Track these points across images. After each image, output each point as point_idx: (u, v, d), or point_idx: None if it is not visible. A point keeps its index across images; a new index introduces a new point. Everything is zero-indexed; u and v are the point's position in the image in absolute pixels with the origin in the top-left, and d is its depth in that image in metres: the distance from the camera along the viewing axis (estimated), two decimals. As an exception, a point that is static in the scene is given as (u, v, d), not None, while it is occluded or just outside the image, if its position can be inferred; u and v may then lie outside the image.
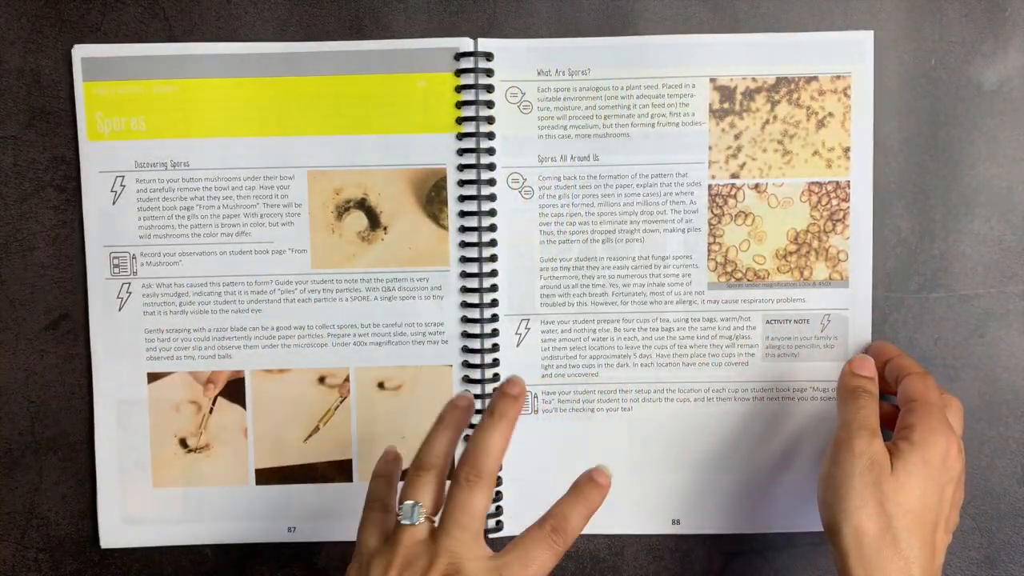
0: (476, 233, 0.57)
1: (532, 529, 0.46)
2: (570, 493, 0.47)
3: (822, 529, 0.50)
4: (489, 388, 0.58)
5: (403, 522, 0.45)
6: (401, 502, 0.46)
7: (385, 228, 0.57)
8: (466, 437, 0.55)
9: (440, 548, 0.44)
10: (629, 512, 0.59)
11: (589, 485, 0.47)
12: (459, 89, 0.56)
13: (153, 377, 0.58)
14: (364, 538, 0.47)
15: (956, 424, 0.52)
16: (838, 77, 0.56)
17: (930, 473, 0.48)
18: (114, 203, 0.57)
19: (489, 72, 0.56)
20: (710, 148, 0.57)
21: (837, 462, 0.49)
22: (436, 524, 0.46)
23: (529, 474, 0.58)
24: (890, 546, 0.47)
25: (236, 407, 0.58)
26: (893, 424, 0.52)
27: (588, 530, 0.57)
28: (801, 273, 0.57)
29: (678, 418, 0.58)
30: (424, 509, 0.46)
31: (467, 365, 0.58)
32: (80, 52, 0.56)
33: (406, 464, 0.50)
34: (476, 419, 0.55)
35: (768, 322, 0.58)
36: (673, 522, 0.59)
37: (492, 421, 0.47)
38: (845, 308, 0.57)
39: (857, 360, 0.53)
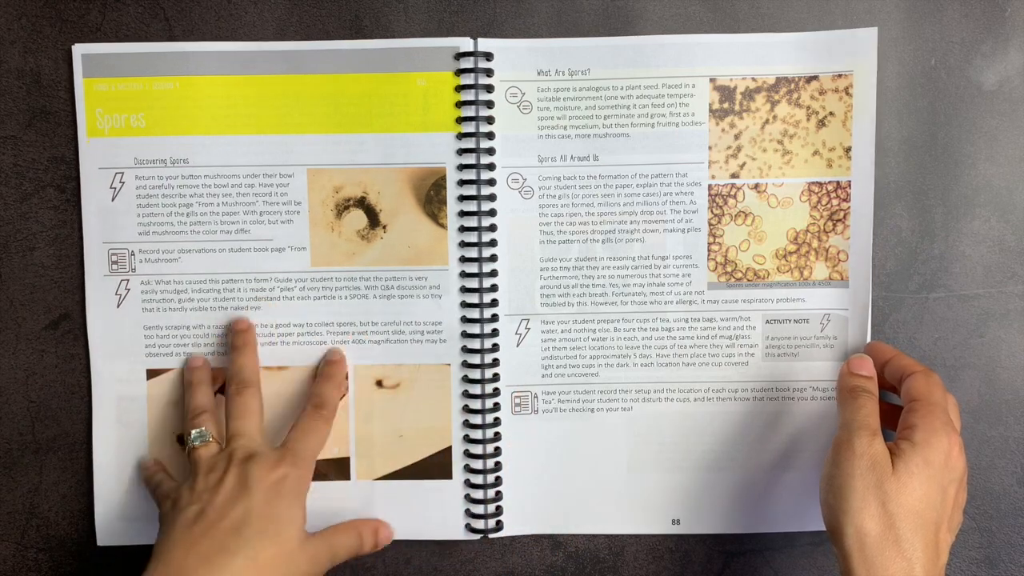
0: (476, 233, 0.57)
1: (300, 414, 0.56)
2: (319, 376, 0.57)
3: (823, 529, 0.50)
4: (489, 388, 0.58)
5: (195, 443, 0.54)
6: (186, 438, 0.54)
7: (384, 227, 0.57)
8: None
9: (234, 446, 0.53)
10: (629, 512, 0.59)
11: (330, 365, 0.57)
12: (459, 89, 0.56)
13: (152, 374, 0.58)
14: (163, 485, 0.55)
15: (955, 423, 0.52)
16: (839, 76, 0.56)
17: (932, 473, 0.48)
18: (113, 200, 0.57)
19: (489, 72, 0.56)
20: (710, 148, 0.57)
21: (838, 463, 0.49)
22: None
23: (529, 474, 0.58)
24: (892, 547, 0.47)
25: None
26: (895, 424, 0.52)
27: (588, 530, 0.57)
28: (801, 273, 0.57)
29: (678, 418, 0.58)
30: (210, 431, 0.54)
31: (466, 365, 0.58)
32: (80, 49, 0.56)
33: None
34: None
35: (768, 322, 0.58)
36: (673, 522, 0.59)
37: (326, 380, 0.57)
38: (845, 308, 0.57)
39: (855, 360, 0.53)
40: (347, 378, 0.58)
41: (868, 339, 0.57)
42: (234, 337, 0.57)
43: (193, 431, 0.54)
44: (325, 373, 0.57)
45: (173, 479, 0.56)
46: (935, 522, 0.48)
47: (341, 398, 0.58)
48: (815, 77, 0.56)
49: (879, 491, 0.47)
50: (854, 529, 0.47)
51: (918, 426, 0.49)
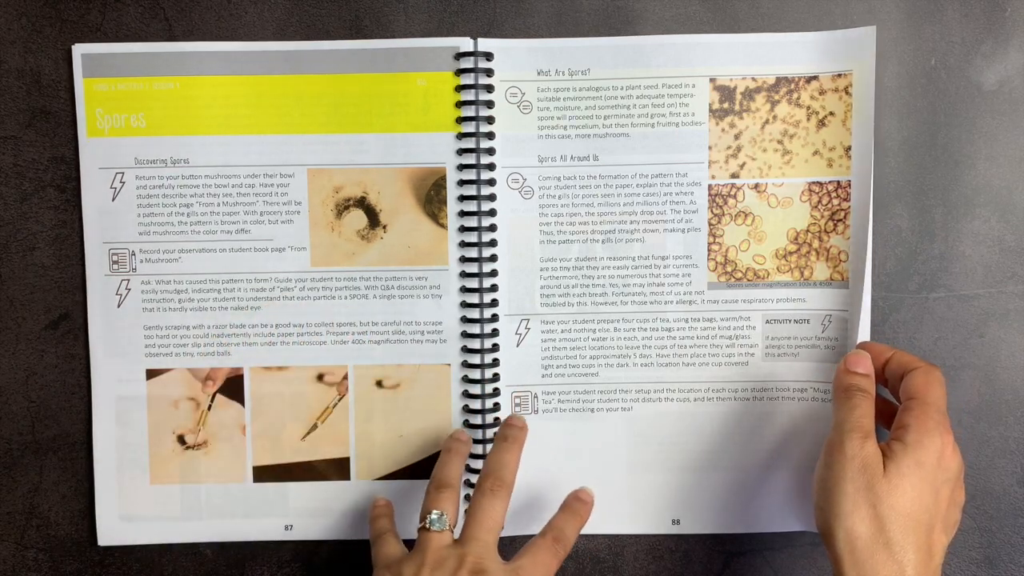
0: (476, 233, 0.57)
1: (537, 540, 0.53)
2: (563, 510, 0.55)
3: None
4: (489, 388, 0.58)
5: (432, 528, 0.51)
6: (424, 515, 0.52)
7: (384, 227, 0.57)
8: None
9: (466, 550, 0.50)
10: (629, 512, 0.59)
11: (577, 503, 0.55)
12: (459, 89, 0.56)
13: (152, 373, 0.58)
14: (385, 550, 0.53)
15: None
16: (839, 75, 0.56)
17: (924, 475, 0.48)
18: (113, 200, 0.57)
19: (489, 72, 0.56)
20: (710, 148, 0.57)
21: (829, 465, 0.49)
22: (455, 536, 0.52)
23: (529, 474, 0.58)
24: (883, 549, 0.46)
25: (235, 404, 0.58)
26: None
27: (588, 530, 0.57)
28: (801, 273, 0.57)
29: (678, 418, 0.58)
30: (448, 518, 0.52)
31: (466, 365, 0.58)
32: (80, 49, 0.56)
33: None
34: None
35: (768, 322, 0.58)
36: (673, 522, 0.59)
37: (506, 444, 0.54)
38: (845, 308, 0.57)
39: (852, 357, 0.53)
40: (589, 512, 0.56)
41: (868, 339, 0.57)
42: (505, 429, 0.55)
43: (433, 512, 0.52)
44: (571, 508, 0.55)
45: (397, 537, 0.54)
46: (927, 523, 0.48)
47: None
48: (815, 77, 0.56)
49: (869, 493, 0.47)
50: (844, 532, 0.47)
51: (911, 426, 0.49)
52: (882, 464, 0.48)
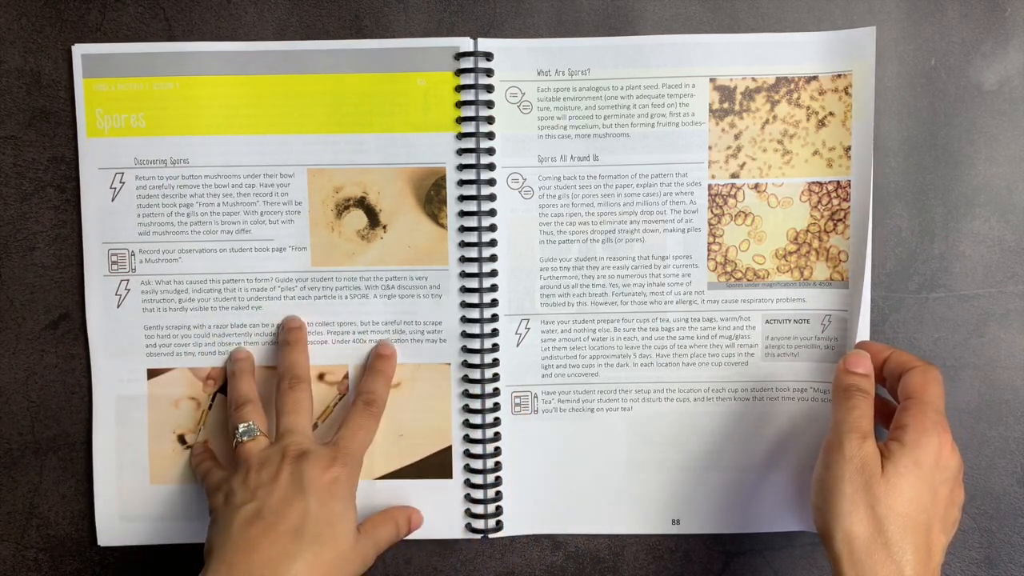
0: (476, 233, 0.57)
1: (350, 408, 0.56)
2: (368, 371, 0.57)
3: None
4: (489, 388, 0.58)
5: (244, 439, 0.54)
6: (233, 434, 0.54)
7: (384, 227, 0.57)
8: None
9: (286, 443, 0.53)
10: (629, 512, 0.59)
11: (380, 360, 0.57)
12: (459, 89, 0.56)
13: (152, 373, 0.58)
14: (211, 476, 0.55)
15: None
16: (839, 76, 0.56)
17: (922, 474, 0.48)
18: (113, 200, 0.57)
19: (489, 72, 0.56)
20: (710, 148, 0.57)
21: (827, 465, 0.49)
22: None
23: (529, 474, 0.58)
24: (881, 550, 0.46)
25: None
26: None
27: (588, 530, 0.57)
28: (801, 273, 0.57)
29: (678, 418, 0.58)
30: (257, 426, 0.54)
31: (467, 365, 0.58)
32: (80, 49, 0.56)
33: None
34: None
35: (768, 322, 0.58)
36: (673, 522, 0.59)
37: (293, 347, 0.57)
38: (844, 308, 0.57)
39: (852, 357, 0.52)
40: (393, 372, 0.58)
41: (868, 339, 0.57)
42: (286, 334, 0.57)
43: (240, 425, 0.54)
44: (374, 367, 0.57)
45: (222, 468, 0.56)
46: (926, 523, 0.48)
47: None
48: (815, 77, 0.56)
49: (867, 494, 0.47)
50: (843, 533, 0.47)
51: (909, 426, 0.49)
52: (880, 464, 0.48)
